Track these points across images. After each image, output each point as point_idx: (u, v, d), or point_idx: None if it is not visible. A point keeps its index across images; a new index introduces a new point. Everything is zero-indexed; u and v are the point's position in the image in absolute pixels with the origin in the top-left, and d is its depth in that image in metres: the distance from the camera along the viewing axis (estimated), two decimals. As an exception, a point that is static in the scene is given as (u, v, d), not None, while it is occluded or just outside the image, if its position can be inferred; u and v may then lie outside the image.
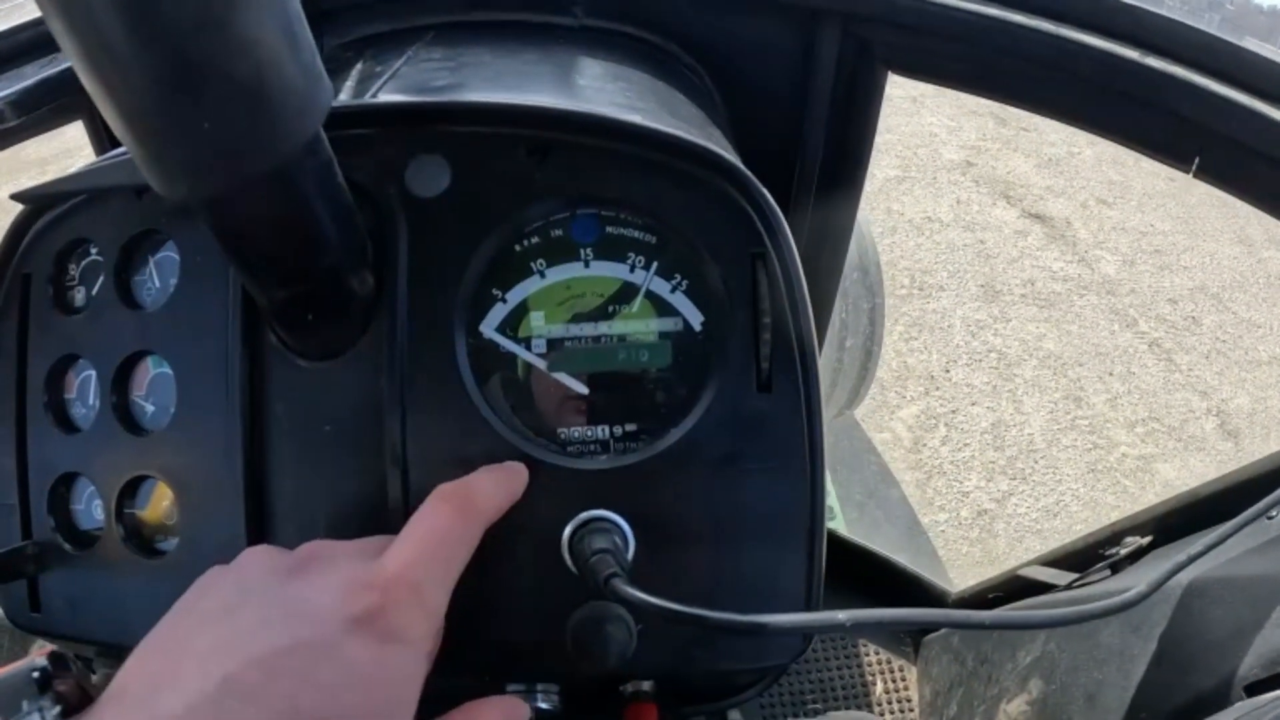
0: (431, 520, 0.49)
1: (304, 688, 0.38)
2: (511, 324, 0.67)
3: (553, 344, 0.67)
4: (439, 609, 0.46)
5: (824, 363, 2.58)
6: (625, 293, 0.68)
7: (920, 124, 4.74)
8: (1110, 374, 3.43)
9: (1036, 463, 3.13)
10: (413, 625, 0.43)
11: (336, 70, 0.79)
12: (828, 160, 1.00)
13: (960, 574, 2.73)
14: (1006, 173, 4.44)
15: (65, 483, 0.71)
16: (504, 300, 0.67)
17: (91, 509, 0.71)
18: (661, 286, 0.67)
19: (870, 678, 1.50)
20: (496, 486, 0.55)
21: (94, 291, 0.70)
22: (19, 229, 0.71)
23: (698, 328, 0.67)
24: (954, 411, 3.28)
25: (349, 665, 0.40)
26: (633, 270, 0.67)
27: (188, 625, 0.43)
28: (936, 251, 3.94)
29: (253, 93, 0.44)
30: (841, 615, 0.48)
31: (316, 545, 0.49)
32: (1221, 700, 0.75)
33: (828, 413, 2.69)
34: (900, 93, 4.83)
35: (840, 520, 2.33)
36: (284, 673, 0.38)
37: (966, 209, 4.19)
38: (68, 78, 0.83)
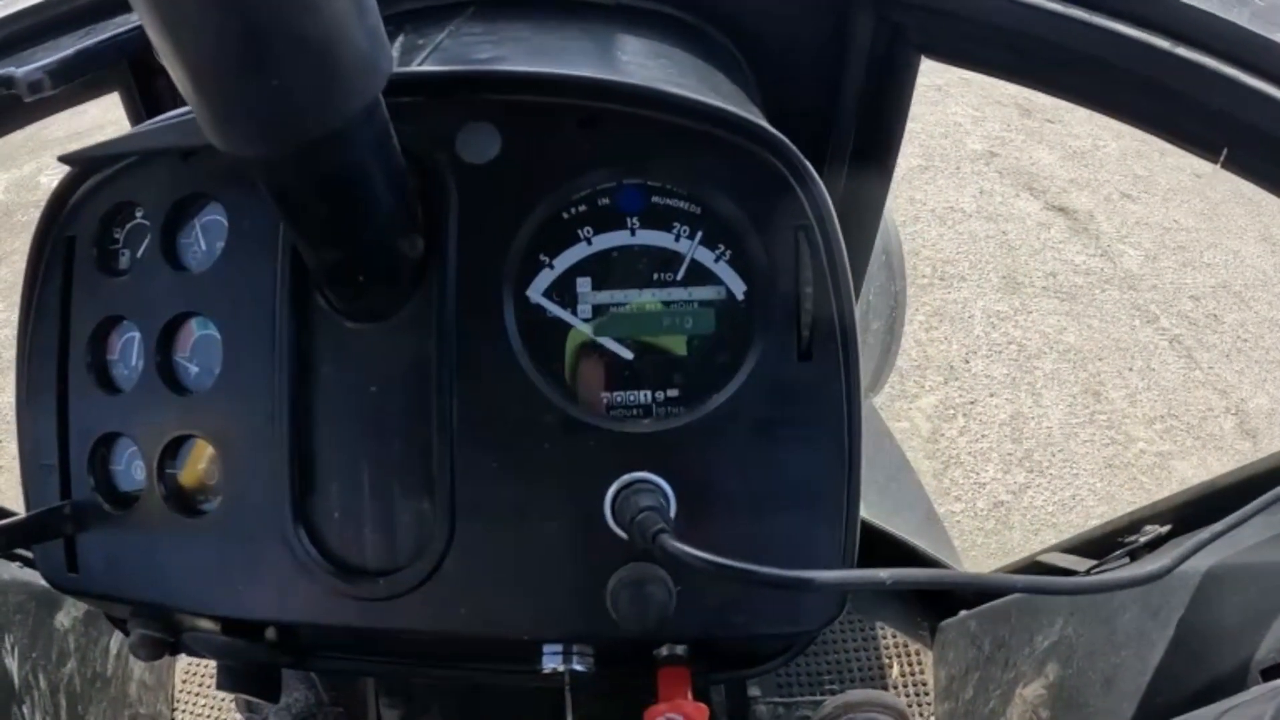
0: None
1: None
2: (558, 289, 0.69)
3: (599, 309, 0.68)
4: None
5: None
6: (670, 261, 0.69)
7: (944, 113, 4.70)
8: (1130, 369, 3.41)
9: (1054, 456, 3.11)
10: None
11: None
12: (859, 142, 1.00)
13: (974, 566, 2.73)
14: (1030, 164, 4.40)
15: (105, 443, 0.72)
16: (551, 266, 0.68)
17: (132, 469, 0.72)
18: (706, 256, 0.68)
19: (887, 660, 1.52)
20: None
21: (139, 254, 0.72)
22: (63, 193, 0.72)
23: (740, 296, 0.68)
24: (973, 402, 3.27)
25: None
26: (678, 239, 0.68)
27: None
28: (959, 242, 3.92)
29: (321, 53, 0.45)
30: (883, 573, 0.49)
31: None
32: (1238, 684, 0.76)
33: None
34: (925, 81, 4.76)
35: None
36: None
37: (989, 200, 4.16)
38: (104, 50, 0.84)
